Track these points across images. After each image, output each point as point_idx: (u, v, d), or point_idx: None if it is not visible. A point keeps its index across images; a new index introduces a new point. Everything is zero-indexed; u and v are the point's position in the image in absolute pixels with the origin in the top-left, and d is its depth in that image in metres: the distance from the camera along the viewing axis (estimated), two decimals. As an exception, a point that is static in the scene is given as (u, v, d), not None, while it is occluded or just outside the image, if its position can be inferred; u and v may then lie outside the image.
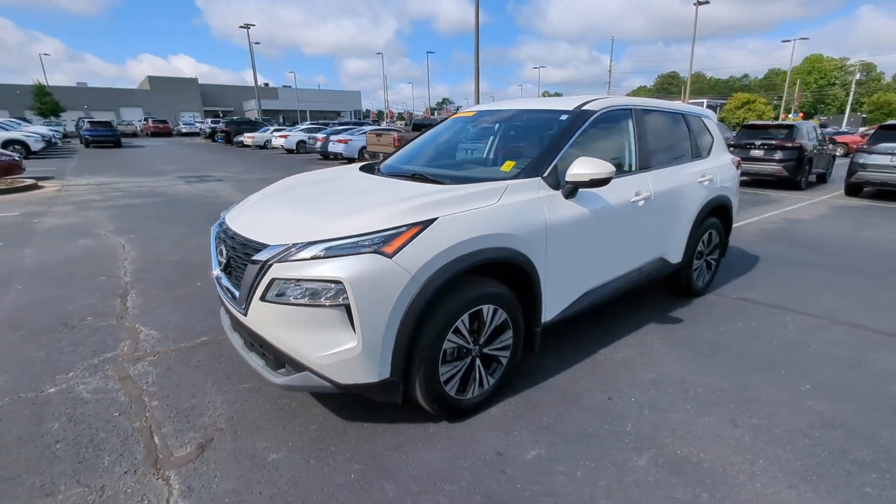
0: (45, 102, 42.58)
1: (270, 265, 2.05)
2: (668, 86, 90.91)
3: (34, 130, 22.13)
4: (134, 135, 39.74)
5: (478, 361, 2.43)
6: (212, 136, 33.51)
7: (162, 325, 3.58)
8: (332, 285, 1.95)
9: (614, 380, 2.83)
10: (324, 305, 1.98)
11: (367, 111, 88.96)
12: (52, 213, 8.04)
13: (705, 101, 50.00)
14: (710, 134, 4.19)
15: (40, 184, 11.52)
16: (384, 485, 2.00)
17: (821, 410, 2.52)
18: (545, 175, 2.64)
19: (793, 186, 11.07)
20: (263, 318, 2.11)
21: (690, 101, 49.16)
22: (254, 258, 2.13)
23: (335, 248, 2.01)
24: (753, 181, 11.99)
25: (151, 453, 2.19)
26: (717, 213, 4.14)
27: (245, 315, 2.19)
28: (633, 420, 2.44)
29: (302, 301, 2.00)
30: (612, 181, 2.99)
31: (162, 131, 40.55)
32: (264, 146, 25.77)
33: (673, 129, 3.81)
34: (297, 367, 2.09)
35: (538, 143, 2.95)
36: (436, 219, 2.14)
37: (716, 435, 2.33)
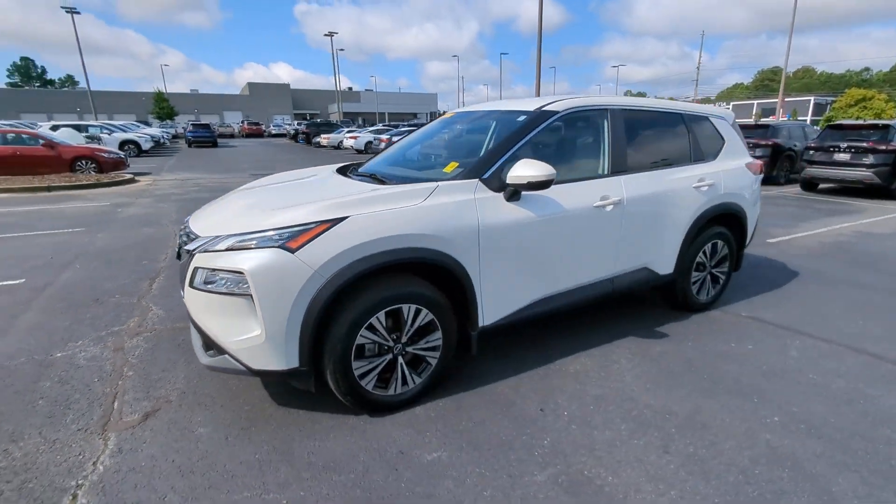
0: (163, 107, 48.32)
1: (194, 254, 2.24)
2: (770, 82, 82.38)
3: (146, 132, 25.23)
4: (231, 136, 43.71)
5: (400, 360, 2.45)
6: (294, 137, 35.98)
7: (170, 307, 3.97)
8: (237, 276, 2.09)
9: (557, 391, 2.70)
10: (233, 294, 2.12)
11: (443, 112, 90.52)
12: (136, 204, 9.15)
13: (812, 98, 44.73)
14: (721, 136, 3.81)
15: (137, 178, 13.14)
16: (280, 467, 2.10)
17: (777, 446, 2.23)
18: (485, 177, 2.58)
19: (886, 195, 9.63)
20: (192, 302, 2.30)
21: (792, 98, 44.29)
22: (185, 247, 2.33)
23: (245, 241, 2.15)
24: (840, 189, 10.62)
25: (105, 417, 2.48)
26: (723, 222, 3.76)
27: (183, 298, 2.40)
28: (555, 434, 2.32)
29: (217, 289, 2.16)
30: (574, 185, 2.89)
31: (255, 133, 44.26)
32: (338, 146, 27.19)
33: (665, 130, 3.52)
34: (220, 350, 2.26)
35: (493, 145, 2.89)
36: (346, 217, 2.20)
37: (637, 459, 2.15)
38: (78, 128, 20.74)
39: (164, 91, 53.50)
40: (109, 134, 21.35)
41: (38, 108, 54.91)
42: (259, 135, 44.67)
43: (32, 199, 9.68)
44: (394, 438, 2.30)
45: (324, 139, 28.57)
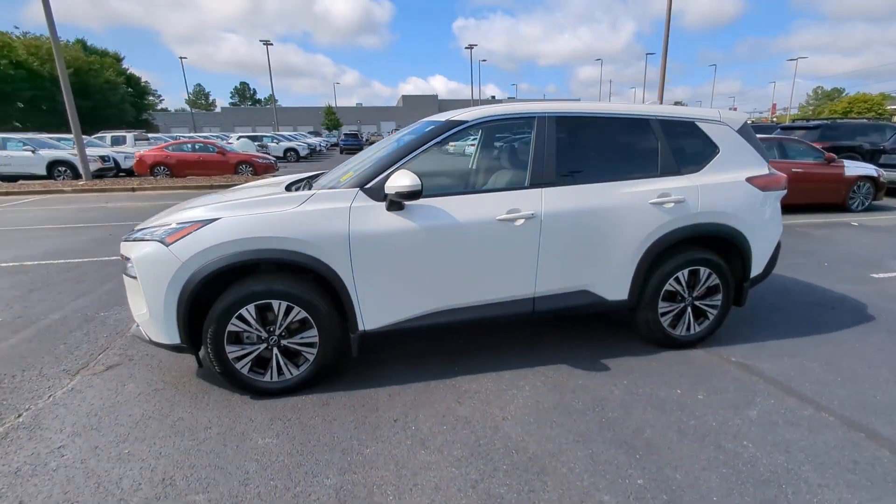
0: (331, 119, 55.73)
1: (122, 242, 2.77)
2: None
3: (306, 141, 29.46)
4: (381, 143, 48.33)
5: (275, 350, 2.66)
6: (432, 143, 38.28)
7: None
8: (129, 262, 2.54)
9: (427, 406, 2.61)
10: (130, 276, 2.58)
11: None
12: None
13: None
14: (713, 143, 3.14)
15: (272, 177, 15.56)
16: (151, 424, 2.48)
17: (605, 511, 1.87)
18: (367, 187, 2.64)
19: None
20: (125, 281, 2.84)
21: None
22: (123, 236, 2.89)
23: (144, 234, 2.59)
24: None
25: (86, 363, 3.18)
26: (708, 246, 3.11)
27: None
28: (378, 445, 2.28)
29: (125, 272, 2.65)
30: (477, 196, 2.78)
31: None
32: (464, 153, 28.20)
33: (619, 139, 3.05)
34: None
35: (385, 154, 2.90)
36: (217, 219, 2.49)
37: (437, 488, 2.01)
38: (254, 138, 25.30)
39: (334, 105, 61.63)
40: (277, 143, 25.54)
41: (247, 123, 67.96)
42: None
43: (201, 192, 12.22)
44: (249, 418, 2.52)
45: (451, 146, 29.85)
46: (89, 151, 15.00)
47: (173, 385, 2.87)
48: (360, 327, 2.70)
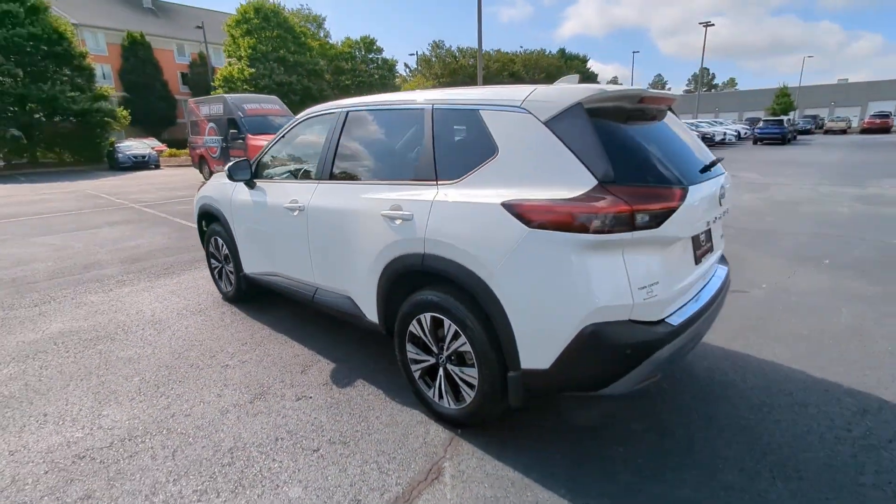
0: (780, 103, 45.12)
1: None
2: None
3: (730, 128, 26.33)
4: (843, 131, 35.53)
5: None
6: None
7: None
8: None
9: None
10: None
11: None
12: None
13: None
14: (492, 142, 1.88)
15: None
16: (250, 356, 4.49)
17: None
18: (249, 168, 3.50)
19: None
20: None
21: None
22: None
23: None
24: None
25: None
26: (446, 289, 2.04)
27: None
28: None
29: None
30: (286, 183, 3.21)
31: (878, 127, 33.60)
32: None
33: (395, 134, 2.36)
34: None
35: None
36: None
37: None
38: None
39: (795, 85, 49.16)
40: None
41: (690, 110, 64.70)
42: (884, 130, 33.58)
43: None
44: (200, 303, 4.11)
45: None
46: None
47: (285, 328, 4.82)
48: (243, 270, 3.68)
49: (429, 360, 2.29)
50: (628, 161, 1.81)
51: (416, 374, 2.37)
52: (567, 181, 1.75)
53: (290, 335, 3.38)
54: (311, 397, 2.58)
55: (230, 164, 3.26)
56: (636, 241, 1.71)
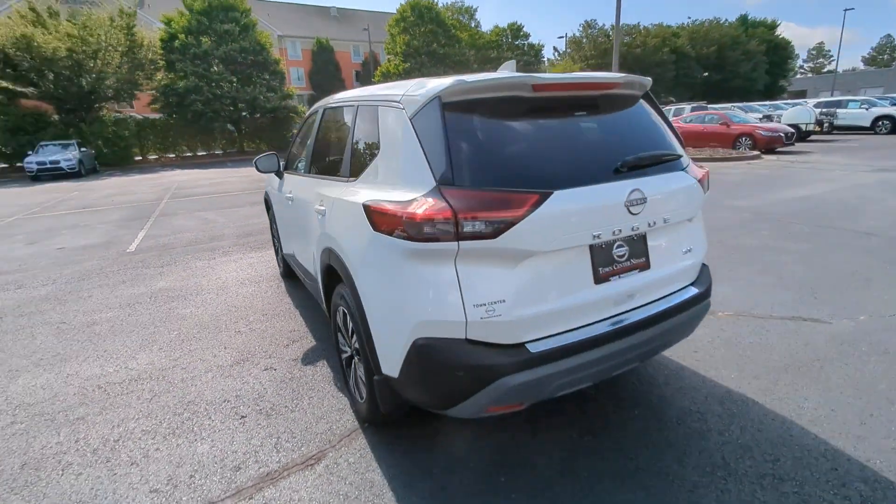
0: None
1: None
2: None
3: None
4: None
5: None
6: None
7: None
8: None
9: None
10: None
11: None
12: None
13: None
14: (379, 139, 1.76)
15: (763, 157, 12.72)
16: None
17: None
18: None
19: None
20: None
21: None
22: None
23: None
24: None
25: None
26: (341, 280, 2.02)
27: None
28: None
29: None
30: (287, 174, 3.51)
31: None
32: None
33: (340, 130, 2.32)
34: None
35: None
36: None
37: None
38: (838, 104, 19.64)
39: None
40: (867, 109, 18.74)
41: (855, 87, 47.90)
42: None
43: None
44: (262, 276, 4.77)
45: None
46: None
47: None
48: (283, 251, 4.17)
49: (347, 351, 2.34)
50: (480, 161, 1.57)
51: (343, 363, 2.44)
52: (416, 182, 1.61)
53: (304, 311, 3.73)
54: (275, 369, 2.85)
55: (258, 156, 3.69)
56: (473, 251, 1.49)
